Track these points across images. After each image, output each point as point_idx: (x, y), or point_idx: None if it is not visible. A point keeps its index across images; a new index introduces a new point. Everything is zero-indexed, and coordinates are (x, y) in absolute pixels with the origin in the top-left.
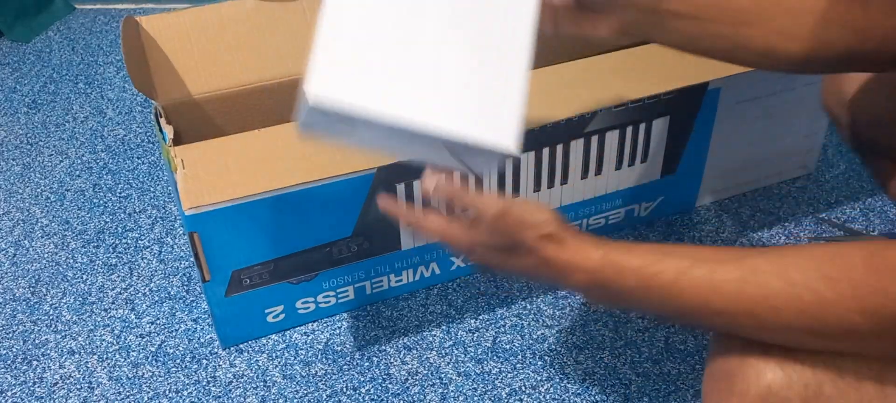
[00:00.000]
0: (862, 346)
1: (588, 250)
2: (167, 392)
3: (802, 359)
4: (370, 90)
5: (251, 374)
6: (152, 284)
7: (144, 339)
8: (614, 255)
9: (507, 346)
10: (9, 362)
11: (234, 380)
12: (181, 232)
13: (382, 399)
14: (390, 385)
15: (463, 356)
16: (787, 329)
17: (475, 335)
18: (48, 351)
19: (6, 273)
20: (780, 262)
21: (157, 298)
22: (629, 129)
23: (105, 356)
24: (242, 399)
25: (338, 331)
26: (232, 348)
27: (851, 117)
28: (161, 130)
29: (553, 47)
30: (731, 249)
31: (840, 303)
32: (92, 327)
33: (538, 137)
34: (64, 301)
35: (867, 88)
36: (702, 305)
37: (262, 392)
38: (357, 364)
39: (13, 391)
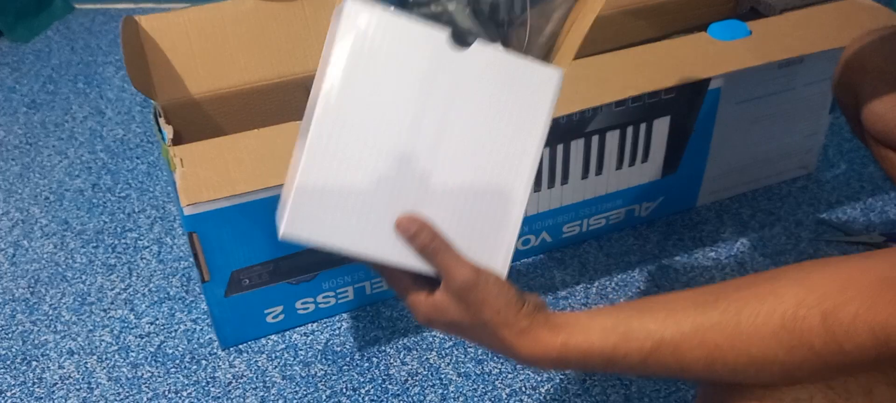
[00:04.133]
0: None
1: (548, 340)
2: (167, 392)
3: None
4: (345, 224)
5: (251, 375)
6: (151, 284)
7: (144, 340)
8: (575, 341)
9: None
10: (8, 362)
11: (234, 381)
12: (180, 232)
13: (382, 400)
14: (390, 386)
15: (463, 356)
16: (760, 385)
17: None
18: (47, 352)
19: (5, 273)
20: (739, 336)
21: (156, 298)
22: (630, 129)
23: (104, 356)
24: (242, 399)
25: (338, 332)
26: (231, 348)
27: (862, 107)
28: (160, 130)
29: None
30: (692, 314)
31: (802, 366)
32: (91, 327)
33: None
34: (63, 301)
35: (880, 79)
36: (673, 376)
37: (261, 393)
38: (357, 364)
39: (12, 391)
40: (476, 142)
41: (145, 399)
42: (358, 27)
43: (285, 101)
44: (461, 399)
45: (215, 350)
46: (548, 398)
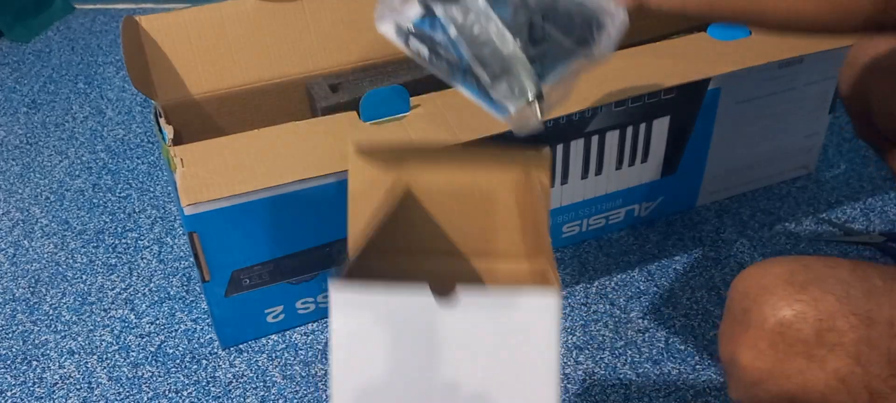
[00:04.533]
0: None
1: None
2: (167, 392)
3: (816, 297)
4: None
5: (251, 374)
6: (152, 284)
7: (144, 339)
8: None
9: None
10: (8, 362)
11: (234, 380)
12: (181, 232)
13: None
14: None
15: None
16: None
17: None
18: (48, 352)
19: (6, 273)
20: None
21: (156, 298)
22: (630, 129)
23: (105, 356)
24: (242, 399)
25: None
26: (232, 348)
27: (876, 109)
28: (161, 130)
29: None
30: None
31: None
32: (91, 327)
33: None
34: (63, 301)
35: (886, 78)
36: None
37: (261, 393)
38: None
39: (13, 391)
40: (492, 386)
41: (145, 398)
42: (347, 313)
43: (285, 101)
44: None
45: (216, 350)
46: None
